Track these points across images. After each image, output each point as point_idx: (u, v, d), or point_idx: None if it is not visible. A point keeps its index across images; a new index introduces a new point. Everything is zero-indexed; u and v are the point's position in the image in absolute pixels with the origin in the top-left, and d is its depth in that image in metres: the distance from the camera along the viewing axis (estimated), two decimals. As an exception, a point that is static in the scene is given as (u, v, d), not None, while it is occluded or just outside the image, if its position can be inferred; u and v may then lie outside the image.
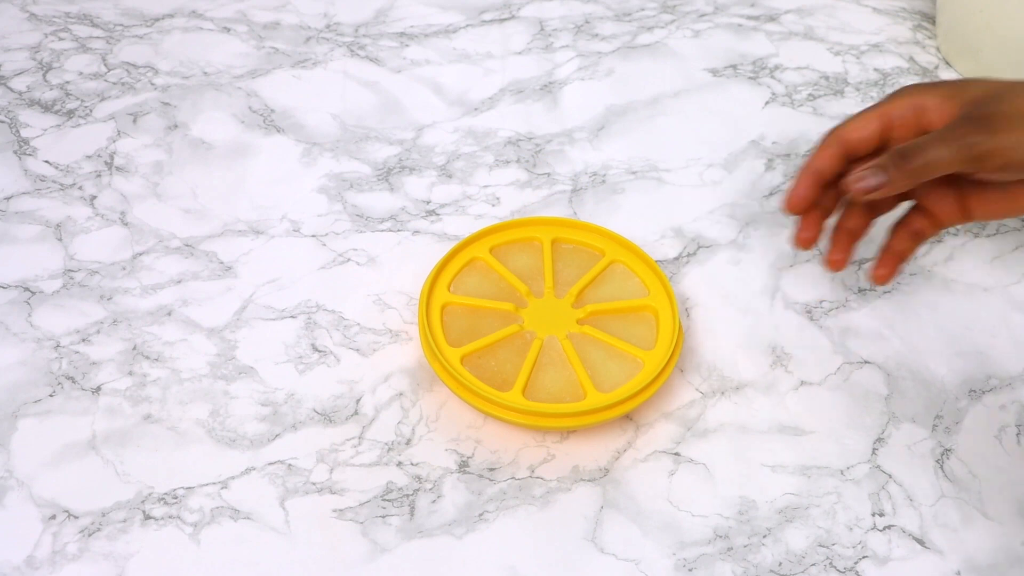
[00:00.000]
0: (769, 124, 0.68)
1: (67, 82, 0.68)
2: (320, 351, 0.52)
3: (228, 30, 0.74)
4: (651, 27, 0.76)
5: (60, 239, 0.57)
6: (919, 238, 0.49)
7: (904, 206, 0.49)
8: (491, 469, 0.47)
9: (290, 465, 0.47)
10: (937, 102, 0.45)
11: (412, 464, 0.47)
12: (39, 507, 0.45)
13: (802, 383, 0.51)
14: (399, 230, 0.59)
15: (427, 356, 0.50)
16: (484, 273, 0.54)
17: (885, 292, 0.56)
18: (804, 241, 0.49)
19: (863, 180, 0.44)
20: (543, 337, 0.50)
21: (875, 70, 0.73)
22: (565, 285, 0.53)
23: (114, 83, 0.68)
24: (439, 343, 0.49)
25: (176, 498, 0.45)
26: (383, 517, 0.45)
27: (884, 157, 0.44)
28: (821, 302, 0.56)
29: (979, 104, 0.44)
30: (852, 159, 0.47)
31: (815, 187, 0.47)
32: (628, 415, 0.49)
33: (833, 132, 0.47)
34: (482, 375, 0.48)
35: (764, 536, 0.45)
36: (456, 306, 0.52)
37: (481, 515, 0.46)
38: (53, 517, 0.44)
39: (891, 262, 0.48)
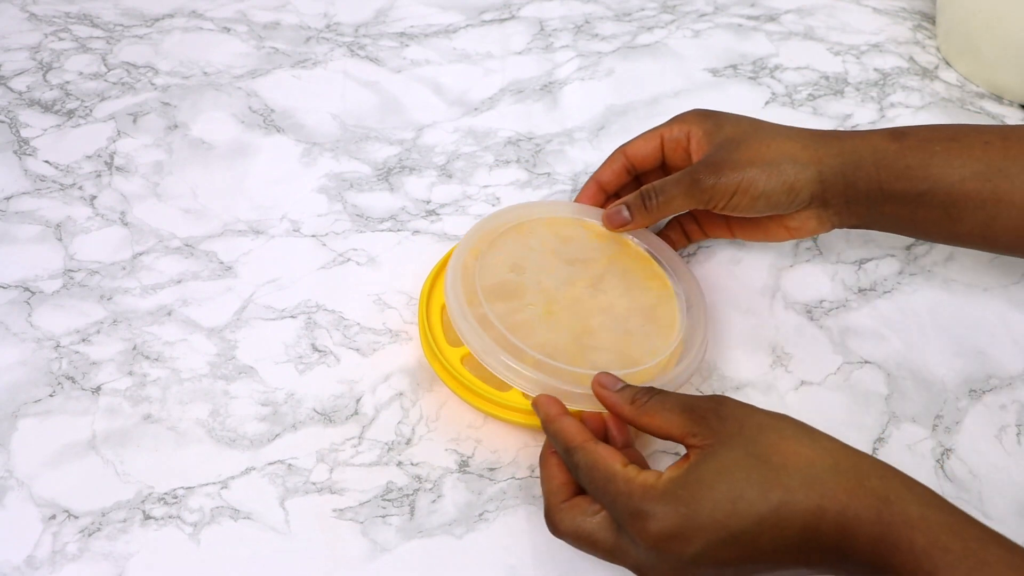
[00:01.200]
0: (769, 124, 0.68)
1: (67, 82, 0.68)
2: (320, 351, 0.52)
3: (228, 30, 0.74)
4: (651, 27, 0.76)
5: (60, 239, 0.57)
6: (689, 238, 0.56)
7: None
8: (491, 469, 0.47)
9: (290, 465, 0.47)
10: (700, 134, 0.51)
11: (412, 464, 0.47)
12: (39, 507, 0.45)
13: (802, 383, 0.51)
14: (399, 230, 0.59)
15: (427, 356, 0.50)
16: (519, 249, 0.52)
17: (885, 292, 0.56)
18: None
19: (612, 216, 0.52)
20: (571, 322, 0.49)
21: (875, 70, 0.73)
22: (599, 275, 0.52)
23: (114, 83, 0.68)
24: (439, 343, 0.49)
25: (176, 498, 0.45)
26: (383, 517, 0.45)
27: (632, 196, 0.52)
28: (821, 302, 0.56)
29: (721, 148, 0.49)
30: (636, 173, 0.55)
31: (597, 197, 0.55)
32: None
33: (619, 149, 0.54)
34: (482, 375, 0.48)
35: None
36: (487, 276, 0.50)
37: (481, 515, 0.46)
38: (53, 517, 0.44)
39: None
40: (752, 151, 0.48)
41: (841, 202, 0.49)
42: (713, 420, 0.38)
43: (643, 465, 0.42)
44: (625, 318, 0.50)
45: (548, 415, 0.43)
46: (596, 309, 0.50)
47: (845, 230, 0.59)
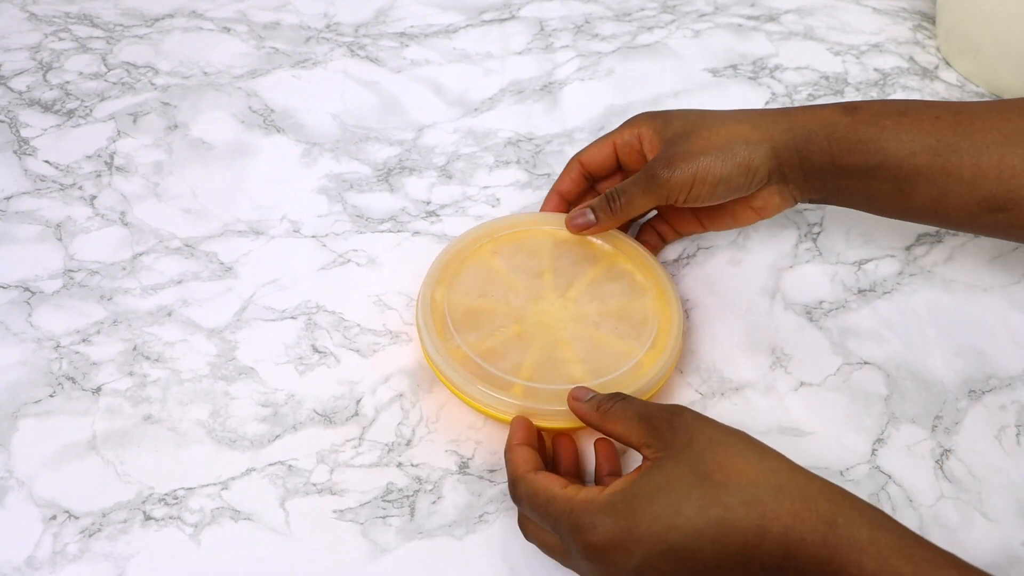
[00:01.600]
0: (769, 124, 0.68)
1: (67, 82, 0.68)
2: (320, 352, 0.52)
3: (228, 30, 0.74)
4: (651, 27, 0.76)
5: (60, 239, 0.57)
6: (663, 239, 0.57)
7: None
8: (491, 470, 0.47)
9: (290, 466, 0.47)
10: (650, 134, 0.52)
11: (412, 465, 0.47)
12: (39, 507, 0.45)
13: (802, 384, 0.51)
14: (399, 231, 0.59)
15: (427, 357, 0.50)
16: (484, 272, 0.53)
17: (885, 293, 0.56)
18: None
19: (576, 219, 0.53)
20: (544, 337, 0.50)
21: (875, 70, 0.73)
22: (566, 284, 0.52)
23: (114, 83, 0.68)
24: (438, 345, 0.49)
25: (176, 499, 0.45)
26: (383, 518, 0.45)
27: (596, 200, 0.52)
28: (821, 303, 0.56)
29: (672, 143, 0.50)
30: (593, 180, 0.56)
31: (560, 207, 0.55)
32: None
33: (574, 157, 0.55)
34: (482, 376, 0.48)
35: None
36: (456, 306, 0.51)
37: (481, 516, 0.46)
38: (53, 517, 0.45)
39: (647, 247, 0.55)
40: (703, 140, 0.48)
41: (799, 176, 0.49)
42: (666, 431, 0.39)
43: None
44: (596, 324, 0.50)
45: (508, 442, 0.44)
46: (567, 319, 0.51)
47: (845, 231, 0.59)
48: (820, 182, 0.49)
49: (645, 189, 0.49)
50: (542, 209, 0.56)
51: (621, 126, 0.54)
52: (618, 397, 0.43)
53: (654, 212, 0.56)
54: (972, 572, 0.34)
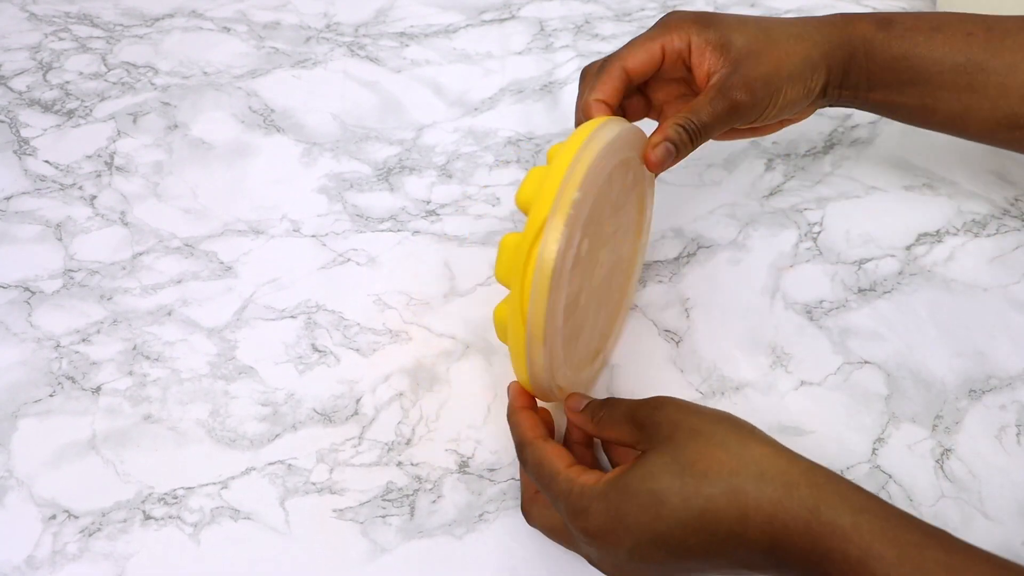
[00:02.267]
0: (769, 124, 0.68)
1: (67, 82, 0.68)
2: (320, 351, 0.52)
3: (228, 30, 0.74)
4: (651, 27, 0.76)
5: (60, 239, 0.57)
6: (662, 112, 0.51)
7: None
8: (491, 469, 0.47)
9: (290, 465, 0.47)
10: (702, 45, 0.47)
11: (412, 464, 0.47)
12: (39, 507, 0.45)
13: (802, 383, 0.51)
14: (399, 230, 0.59)
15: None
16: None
17: (885, 292, 0.56)
18: None
19: (658, 154, 0.45)
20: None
21: (875, 70, 0.73)
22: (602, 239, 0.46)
23: (114, 83, 0.68)
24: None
25: (176, 498, 0.45)
26: (383, 517, 0.45)
27: (673, 131, 0.45)
28: (821, 302, 0.56)
29: (741, 63, 0.46)
30: (632, 86, 0.49)
31: (607, 114, 0.47)
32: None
33: (616, 62, 0.48)
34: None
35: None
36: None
37: (481, 515, 0.46)
38: (53, 517, 0.45)
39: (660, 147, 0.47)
40: (774, 61, 0.46)
41: (835, 89, 0.49)
42: (650, 425, 0.39)
43: (593, 465, 0.42)
44: (601, 292, 0.46)
45: (511, 406, 0.44)
46: (597, 280, 0.46)
47: (845, 230, 0.59)
48: (852, 94, 0.50)
49: (726, 117, 0.46)
50: (586, 118, 0.47)
51: (662, 28, 0.48)
52: (605, 403, 0.43)
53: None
54: (959, 550, 0.33)
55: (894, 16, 0.49)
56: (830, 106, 0.51)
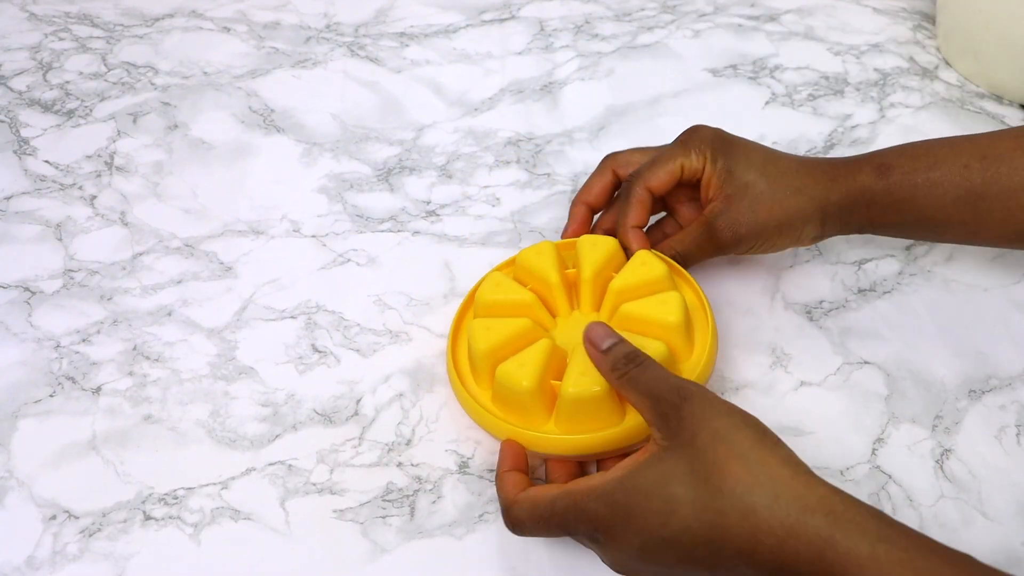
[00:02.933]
0: (769, 124, 0.68)
1: (67, 82, 0.68)
2: (320, 351, 0.52)
3: (228, 30, 0.74)
4: (651, 27, 0.76)
5: (60, 239, 0.57)
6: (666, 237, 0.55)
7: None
8: (491, 470, 0.47)
9: (290, 465, 0.47)
10: (713, 173, 0.52)
11: (412, 465, 0.47)
12: (39, 507, 0.45)
13: (802, 383, 0.51)
14: (399, 230, 0.59)
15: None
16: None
17: (885, 292, 0.56)
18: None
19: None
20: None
21: (875, 70, 0.73)
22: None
23: (114, 83, 0.68)
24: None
25: (176, 498, 0.45)
26: (383, 518, 0.45)
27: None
28: (821, 302, 0.56)
29: (735, 199, 0.51)
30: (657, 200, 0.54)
31: (644, 243, 0.52)
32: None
33: (641, 187, 0.52)
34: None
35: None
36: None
37: (481, 516, 0.46)
38: (53, 517, 0.45)
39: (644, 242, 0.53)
40: (766, 211, 0.50)
41: (835, 232, 0.52)
42: (673, 420, 0.38)
43: None
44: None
45: (497, 471, 0.44)
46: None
47: (845, 231, 0.60)
48: (857, 232, 0.52)
49: (708, 251, 0.52)
50: (631, 244, 0.51)
51: (683, 146, 0.52)
52: (634, 360, 0.41)
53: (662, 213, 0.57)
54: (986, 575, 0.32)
55: (892, 162, 0.50)
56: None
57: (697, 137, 0.53)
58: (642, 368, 0.40)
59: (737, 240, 0.51)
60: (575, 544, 0.44)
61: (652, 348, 0.44)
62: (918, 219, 0.50)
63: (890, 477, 0.47)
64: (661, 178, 0.52)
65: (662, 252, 0.51)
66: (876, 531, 0.33)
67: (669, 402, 0.38)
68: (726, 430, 0.37)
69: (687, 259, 0.52)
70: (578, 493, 0.38)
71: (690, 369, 0.47)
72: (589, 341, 0.42)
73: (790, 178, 0.51)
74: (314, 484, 0.46)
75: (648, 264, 0.49)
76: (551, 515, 0.39)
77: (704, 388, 0.39)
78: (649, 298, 0.48)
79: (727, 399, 0.50)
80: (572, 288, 0.51)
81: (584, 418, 0.44)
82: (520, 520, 0.40)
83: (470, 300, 0.51)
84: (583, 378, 0.42)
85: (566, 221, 0.55)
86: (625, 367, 0.41)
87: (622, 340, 0.42)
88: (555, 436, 0.44)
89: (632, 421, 0.45)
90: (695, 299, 0.51)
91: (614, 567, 0.39)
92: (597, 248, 0.50)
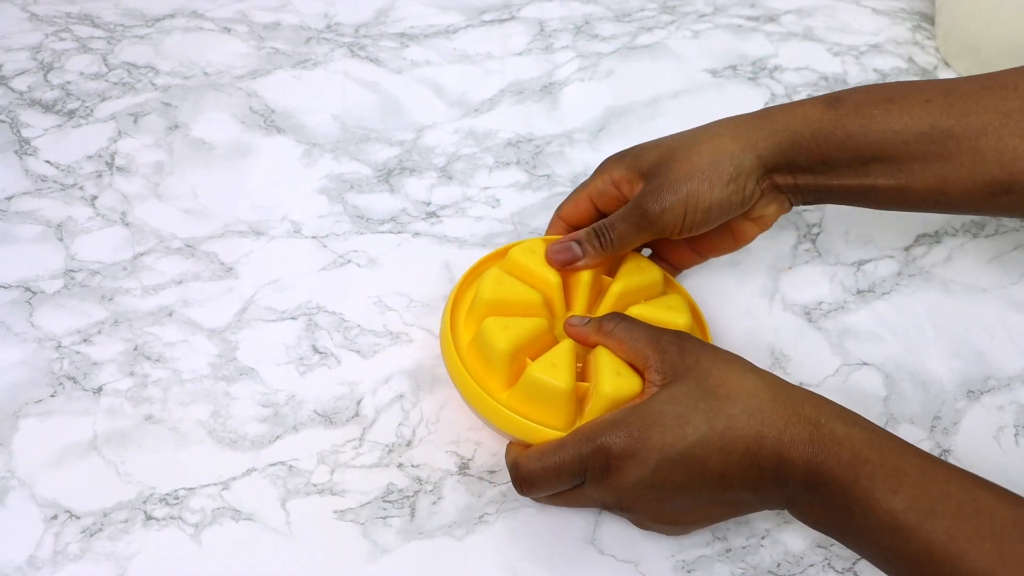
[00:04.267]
0: (769, 125, 0.68)
1: (68, 82, 0.68)
2: (321, 352, 0.52)
3: (228, 30, 0.74)
4: (651, 28, 0.76)
5: (61, 239, 0.57)
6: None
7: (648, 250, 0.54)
8: (491, 471, 0.47)
9: (291, 466, 0.47)
10: (624, 173, 0.48)
11: (413, 466, 0.47)
12: (41, 507, 0.45)
13: (801, 384, 0.51)
14: (399, 232, 0.59)
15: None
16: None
17: (884, 294, 0.56)
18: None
19: (559, 253, 0.48)
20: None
21: (874, 71, 0.73)
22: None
23: (115, 83, 0.68)
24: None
25: (177, 499, 0.46)
26: (384, 518, 0.45)
27: (584, 232, 0.48)
28: (820, 304, 0.56)
29: (652, 173, 0.47)
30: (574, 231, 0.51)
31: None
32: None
33: (555, 215, 0.52)
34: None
35: (762, 537, 0.46)
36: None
37: (481, 517, 0.46)
38: (55, 517, 0.45)
39: None
40: (685, 163, 0.46)
41: (789, 180, 0.47)
42: (674, 353, 0.41)
43: None
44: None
45: (507, 447, 0.45)
46: None
47: (844, 232, 0.60)
48: (812, 182, 0.47)
49: (637, 225, 0.47)
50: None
51: (592, 175, 0.51)
52: (619, 317, 0.44)
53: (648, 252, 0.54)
54: (933, 459, 0.37)
55: (842, 94, 0.46)
56: (805, 203, 0.49)
57: (601, 164, 0.51)
58: (629, 322, 0.44)
59: (662, 203, 0.46)
60: (574, 544, 0.45)
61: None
62: (877, 155, 0.44)
63: (888, 478, 0.47)
64: (568, 207, 0.51)
65: (586, 230, 0.48)
66: (849, 416, 0.39)
67: (668, 340, 0.42)
68: (724, 357, 0.42)
69: (614, 236, 0.48)
70: (587, 428, 0.41)
71: None
72: (570, 324, 0.45)
73: (710, 129, 0.48)
74: (315, 485, 0.46)
75: (675, 310, 0.48)
76: (560, 459, 0.41)
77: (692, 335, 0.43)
78: (655, 301, 0.49)
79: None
80: (599, 294, 0.50)
81: None
82: (529, 473, 0.42)
83: (460, 295, 0.49)
84: (618, 378, 0.43)
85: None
86: (611, 322, 0.44)
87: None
88: None
89: None
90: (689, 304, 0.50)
91: (620, 503, 0.42)
92: (641, 272, 0.50)
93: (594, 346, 0.44)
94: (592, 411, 0.43)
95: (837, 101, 0.46)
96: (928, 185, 0.45)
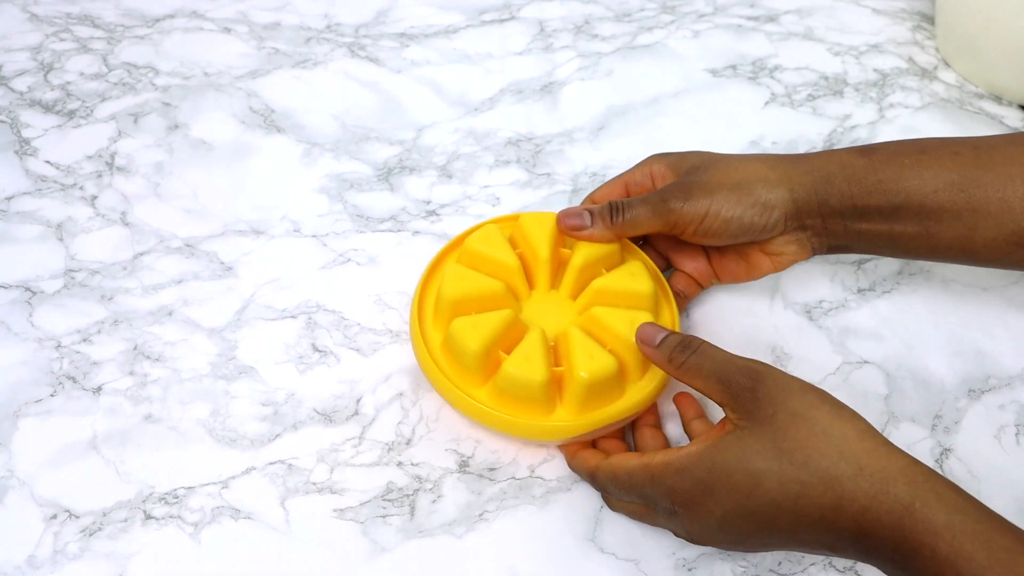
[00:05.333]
0: (768, 124, 0.68)
1: (68, 82, 0.68)
2: (320, 351, 0.52)
3: (229, 30, 0.74)
4: (651, 27, 0.76)
5: (61, 239, 0.57)
6: (685, 297, 0.53)
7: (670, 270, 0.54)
8: (491, 469, 0.47)
9: (291, 465, 0.47)
10: (663, 169, 0.50)
11: (412, 464, 0.47)
12: (40, 507, 0.45)
13: (801, 383, 0.51)
14: (399, 230, 0.59)
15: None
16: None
17: (884, 292, 0.56)
18: None
19: (570, 218, 0.48)
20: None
21: (874, 71, 0.73)
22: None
23: (115, 83, 0.68)
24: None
25: (177, 498, 0.45)
26: (383, 517, 0.45)
27: (599, 206, 0.49)
28: (821, 302, 0.56)
29: (689, 173, 0.48)
30: None
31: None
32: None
33: (588, 197, 0.52)
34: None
35: (763, 536, 0.45)
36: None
37: (481, 515, 0.46)
38: (54, 517, 0.45)
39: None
40: (720, 174, 0.47)
41: (817, 222, 0.48)
42: (748, 400, 0.38)
43: (666, 446, 0.46)
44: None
45: (568, 455, 0.46)
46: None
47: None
48: (841, 227, 0.47)
49: (654, 210, 0.47)
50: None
51: (634, 166, 0.52)
52: (690, 347, 0.42)
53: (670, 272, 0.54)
54: None
55: (876, 144, 0.48)
56: (828, 251, 0.50)
57: (646, 158, 0.52)
58: (699, 354, 0.41)
59: (686, 200, 0.46)
60: (575, 544, 0.45)
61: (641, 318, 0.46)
62: (905, 203, 0.45)
63: (889, 476, 0.47)
64: (603, 192, 0.52)
65: (609, 208, 0.48)
66: (953, 502, 0.34)
67: (741, 384, 0.39)
68: (804, 408, 0.38)
69: (631, 220, 0.48)
70: (655, 467, 0.40)
71: (637, 391, 0.46)
72: (641, 340, 0.44)
73: (749, 155, 0.49)
74: (314, 483, 0.46)
75: (637, 277, 0.48)
76: (630, 486, 0.41)
77: (771, 366, 0.40)
78: (618, 270, 0.49)
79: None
80: (559, 267, 0.51)
81: (596, 399, 0.45)
82: (604, 486, 0.43)
83: (424, 292, 0.50)
84: (592, 361, 0.44)
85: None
86: (682, 355, 0.42)
87: (672, 332, 0.43)
88: (565, 423, 0.45)
89: (634, 394, 0.46)
90: (668, 323, 0.49)
91: (691, 537, 0.41)
92: (595, 244, 0.50)
93: (668, 373, 0.43)
94: (570, 395, 0.44)
95: (871, 151, 0.47)
96: (956, 234, 0.46)
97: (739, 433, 0.38)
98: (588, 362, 0.44)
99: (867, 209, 0.46)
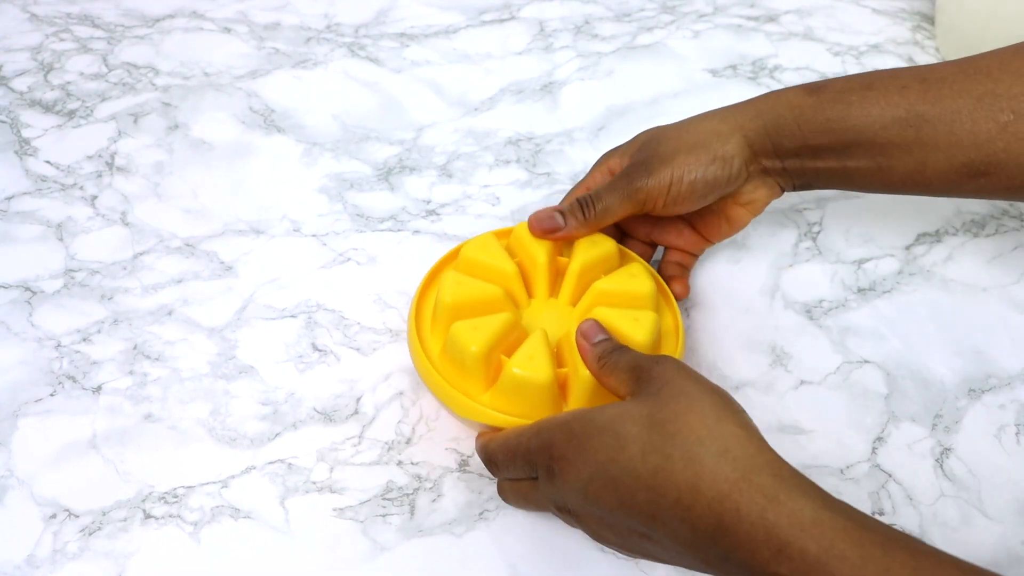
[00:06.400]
0: (769, 124, 0.68)
1: (68, 82, 0.68)
2: (320, 350, 0.52)
3: (229, 30, 0.74)
4: (651, 27, 0.76)
5: (61, 239, 0.57)
6: (685, 266, 0.54)
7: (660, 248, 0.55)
8: (491, 468, 0.47)
9: (290, 464, 0.47)
10: (618, 160, 0.51)
11: (412, 463, 0.47)
12: (40, 506, 0.45)
13: (802, 382, 0.51)
14: (399, 230, 0.59)
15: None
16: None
17: (885, 292, 0.56)
18: None
19: (542, 222, 0.48)
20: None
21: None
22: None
23: (115, 83, 0.68)
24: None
25: (176, 497, 0.45)
26: (383, 516, 0.45)
27: (567, 204, 0.49)
28: (821, 302, 0.56)
29: (642, 150, 0.49)
30: None
31: None
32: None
33: (554, 210, 0.50)
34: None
35: (764, 535, 0.45)
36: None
37: (481, 514, 0.46)
38: (54, 516, 0.45)
39: (680, 280, 0.53)
40: (673, 140, 0.48)
41: (776, 163, 0.49)
42: (645, 377, 0.39)
43: None
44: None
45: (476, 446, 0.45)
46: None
47: (845, 230, 0.59)
48: (798, 165, 0.48)
49: (622, 194, 0.48)
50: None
51: (591, 169, 0.53)
52: (619, 350, 0.41)
53: (662, 250, 0.55)
54: (925, 554, 0.31)
55: (823, 82, 0.48)
56: (794, 188, 0.50)
57: (600, 157, 0.53)
58: (619, 353, 0.41)
59: (649, 173, 0.47)
60: (574, 544, 0.45)
61: (645, 318, 0.46)
62: (857, 139, 0.46)
63: (890, 476, 0.47)
64: (595, 177, 0.52)
65: (578, 205, 0.48)
66: (822, 499, 0.33)
67: (645, 365, 0.39)
68: (692, 390, 0.37)
69: (602, 211, 0.48)
70: (543, 422, 0.40)
71: None
72: (581, 332, 0.43)
73: (700, 115, 0.50)
74: (314, 483, 0.46)
75: (638, 278, 0.48)
76: (517, 445, 0.40)
77: (681, 361, 0.41)
78: (617, 273, 0.48)
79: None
80: (557, 275, 0.50)
81: (602, 399, 0.43)
82: (492, 453, 0.42)
83: (421, 304, 0.49)
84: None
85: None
86: (610, 356, 0.41)
87: (612, 337, 0.43)
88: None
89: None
90: (671, 325, 0.49)
91: (567, 510, 0.39)
92: (595, 246, 0.49)
93: (593, 374, 0.42)
94: (576, 395, 0.44)
95: (818, 88, 0.47)
96: (907, 168, 0.46)
97: (625, 401, 0.38)
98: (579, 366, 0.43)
99: (819, 148, 0.47)
